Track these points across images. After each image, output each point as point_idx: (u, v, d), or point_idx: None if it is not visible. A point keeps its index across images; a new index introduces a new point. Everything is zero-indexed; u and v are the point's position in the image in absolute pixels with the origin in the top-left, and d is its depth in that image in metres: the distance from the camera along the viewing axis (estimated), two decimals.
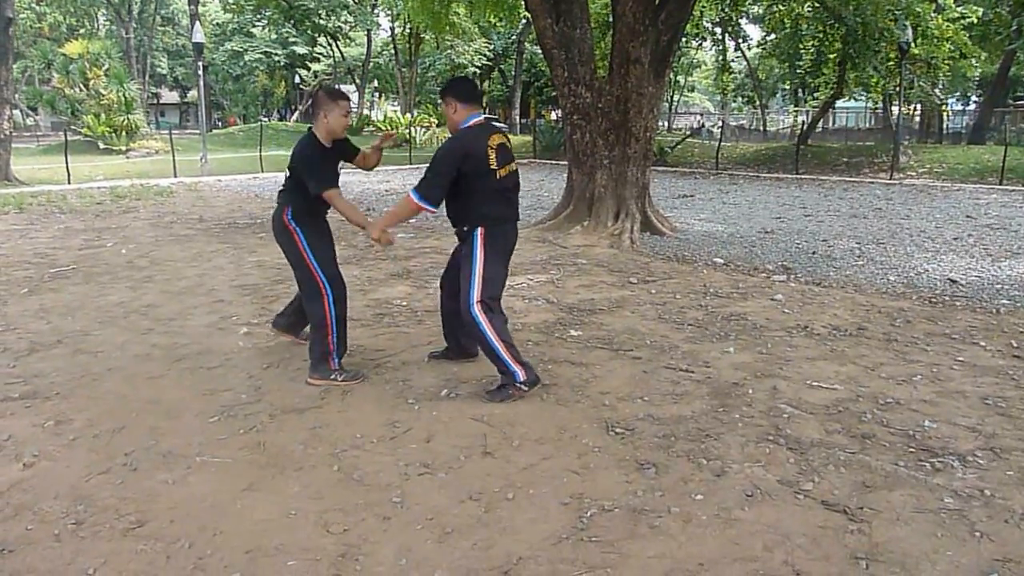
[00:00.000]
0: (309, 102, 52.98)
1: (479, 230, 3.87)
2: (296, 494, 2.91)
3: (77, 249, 8.35)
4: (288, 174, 4.07)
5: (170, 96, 63.56)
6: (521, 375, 3.86)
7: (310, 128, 4.02)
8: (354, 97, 51.39)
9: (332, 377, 4.07)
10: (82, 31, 45.12)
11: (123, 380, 4.20)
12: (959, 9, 20.09)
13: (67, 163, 16.99)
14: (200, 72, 21.21)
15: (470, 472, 3.10)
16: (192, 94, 57.26)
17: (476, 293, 3.81)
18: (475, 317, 3.81)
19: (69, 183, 15.98)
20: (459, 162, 3.79)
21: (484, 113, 4.04)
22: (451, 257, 4.25)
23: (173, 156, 19.28)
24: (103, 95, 25.89)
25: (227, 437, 3.43)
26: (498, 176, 3.87)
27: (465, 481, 3.02)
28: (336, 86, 3.63)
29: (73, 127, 25.93)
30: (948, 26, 19.17)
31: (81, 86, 26.25)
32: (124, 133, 26.08)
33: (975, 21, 20.26)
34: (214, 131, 38.79)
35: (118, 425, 3.56)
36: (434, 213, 3.98)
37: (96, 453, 3.27)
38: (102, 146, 25.47)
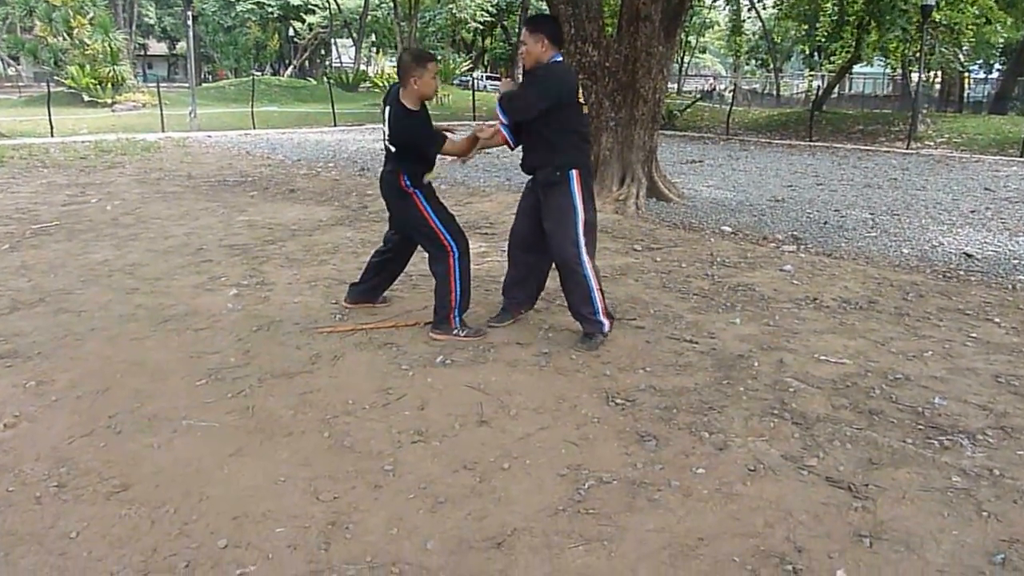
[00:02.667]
0: (304, 56, 52.49)
1: (574, 173, 3.91)
2: (285, 460, 2.86)
3: (60, 205, 8.23)
4: (394, 150, 4.05)
5: (158, 48, 62.26)
6: (607, 326, 4.05)
7: (397, 98, 3.96)
8: (350, 52, 50.65)
9: (454, 333, 4.11)
10: None
11: (107, 341, 4.12)
12: None
13: (50, 115, 16.74)
14: (189, 23, 20.84)
15: (465, 441, 3.04)
16: (181, 46, 56.26)
17: (581, 238, 3.90)
18: (583, 262, 3.92)
19: (52, 136, 15.81)
20: (561, 89, 3.84)
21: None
22: (522, 210, 4.25)
23: (161, 110, 18.98)
24: (88, 45, 25.41)
25: (214, 401, 3.37)
26: (584, 115, 3.93)
27: (459, 450, 2.96)
28: (415, 47, 3.69)
29: (56, 78, 25.65)
30: None
31: (65, 35, 25.86)
32: (110, 85, 25.59)
33: None
34: (203, 85, 38.09)
35: (101, 387, 3.50)
36: (511, 149, 4.03)
37: (79, 415, 3.22)
38: (87, 98, 25.04)
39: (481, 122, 4.01)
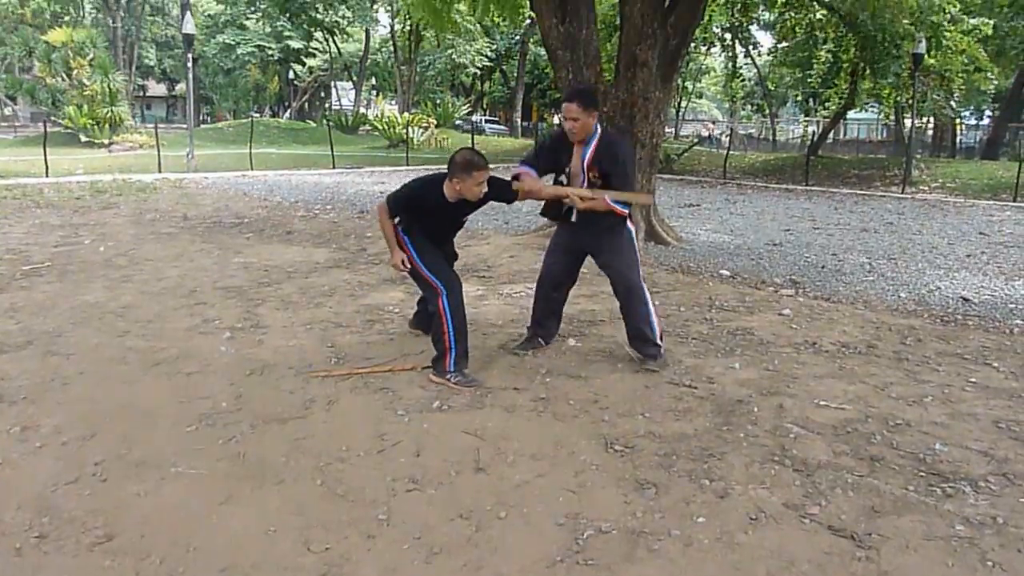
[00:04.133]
0: (304, 98, 53.07)
1: (628, 221, 4.43)
2: (276, 508, 2.80)
3: (52, 246, 8.15)
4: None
5: (157, 88, 62.85)
6: (663, 348, 4.53)
7: (441, 182, 4.13)
8: (350, 94, 51.12)
9: (446, 377, 4.08)
10: (67, 18, 44.42)
11: (95, 384, 4.06)
12: (972, 21, 19.92)
13: (45, 155, 16.65)
14: (189, 64, 20.80)
15: (461, 488, 2.98)
16: (180, 87, 56.63)
17: (642, 272, 4.51)
18: (646, 294, 4.45)
19: (47, 176, 15.71)
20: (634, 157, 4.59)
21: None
22: (558, 255, 4.63)
23: (158, 151, 18.89)
24: (86, 86, 25.32)
25: (204, 447, 3.30)
26: None
27: (455, 498, 2.90)
28: (473, 150, 3.93)
29: (53, 118, 25.52)
30: (963, 38, 19.01)
31: (64, 76, 25.75)
32: (107, 125, 25.45)
33: (990, 34, 20.10)
34: (202, 126, 38.30)
35: (88, 432, 3.43)
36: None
37: (64, 461, 3.15)
38: (83, 139, 24.94)
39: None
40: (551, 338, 4.86)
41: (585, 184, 4.29)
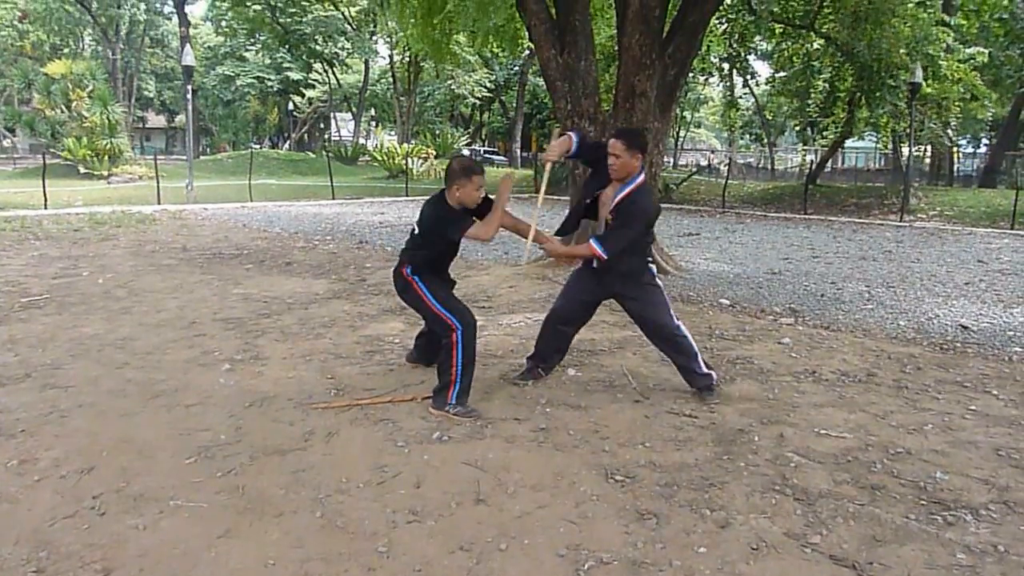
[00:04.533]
0: (303, 129, 53.44)
1: (653, 266, 4.50)
2: (275, 542, 2.79)
3: (51, 278, 8.15)
4: (417, 233, 4.29)
5: (157, 120, 63.21)
6: (714, 376, 4.56)
7: (442, 191, 4.20)
8: (349, 125, 51.38)
9: (447, 410, 4.08)
10: (66, 50, 44.95)
11: (94, 417, 4.04)
12: (968, 51, 20.14)
13: (44, 187, 16.69)
14: (189, 96, 20.97)
15: (461, 520, 2.97)
16: (180, 119, 56.92)
17: (674, 313, 4.52)
18: (681, 328, 4.46)
19: (46, 208, 15.74)
20: (650, 215, 4.41)
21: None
22: (575, 295, 4.65)
23: (157, 182, 18.94)
24: (86, 117, 25.38)
25: (203, 480, 3.29)
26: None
27: (456, 530, 2.89)
28: (467, 157, 4.04)
29: (52, 150, 25.47)
30: (959, 67, 19.21)
31: (63, 107, 25.81)
32: (106, 157, 25.51)
33: (985, 62, 20.32)
34: (202, 157, 38.32)
35: (87, 465, 3.42)
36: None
37: (62, 495, 3.13)
38: (83, 170, 24.98)
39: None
40: (551, 370, 4.87)
41: (601, 225, 4.40)
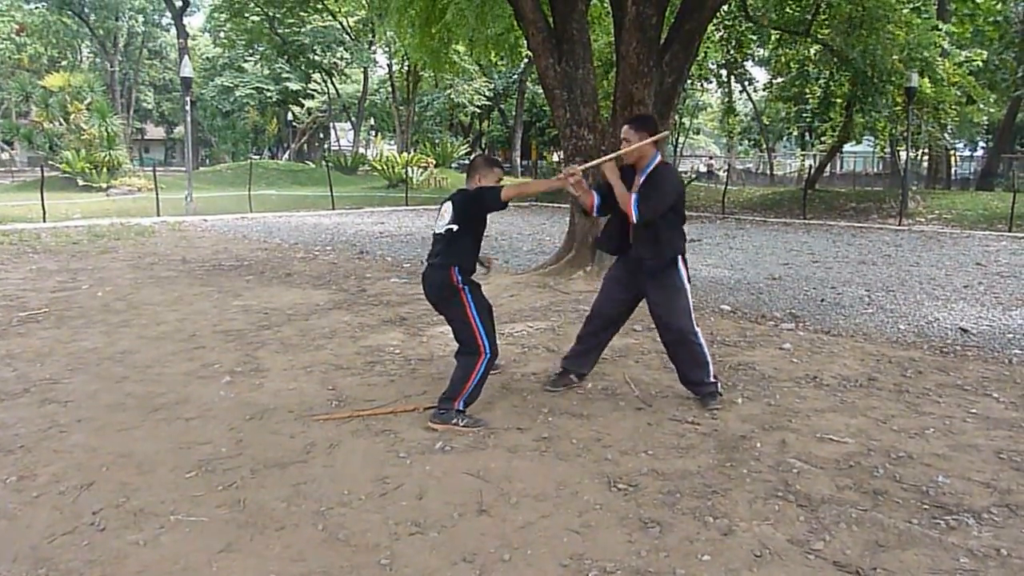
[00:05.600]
0: (303, 140, 53.46)
1: (680, 259, 4.50)
2: (276, 555, 2.78)
3: (50, 291, 8.12)
4: (455, 227, 4.19)
5: (155, 132, 63.04)
6: (719, 386, 4.54)
7: (462, 190, 4.32)
8: (349, 135, 51.38)
9: (453, 422, 4.08)
10: (64, 63, 44.84)
11: (93, 432, 4.03)
12: (964, 54, 20.20)
13: (43, 200, 16.64)
14: (188, 107, 20.94)
15: (464, 531, 2.96)
16: (179, 130, 56.81)
17: (692, 310, 4.51)
18: (697, 332, 4.45)
19: (44, 221, 15.71)
20: (679, 190, 4.44)
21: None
22: (613, 287, 4.69)
23: (156, 194, 18.91)
24: (84, 130, 25.31)
25: (204, 494, 3.28)
26: (683, 206, 4.51)
27: (458, 541, 2.88)
28: (486, 154, 4.17)
29: (51, 162, 25.35)
30: (955, 70, 19.26)
31: (61, 120, 25.74)
32: (105, 169, 25.39)
33: (980, 66, 20.38)
34: (201, 168, 38.15)
35: (86, 481, 3.41)
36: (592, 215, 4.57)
37: (61, 511, 3.12)
38: (81, 183, 24.87)
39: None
40: (583, 377, 4.87)
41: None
